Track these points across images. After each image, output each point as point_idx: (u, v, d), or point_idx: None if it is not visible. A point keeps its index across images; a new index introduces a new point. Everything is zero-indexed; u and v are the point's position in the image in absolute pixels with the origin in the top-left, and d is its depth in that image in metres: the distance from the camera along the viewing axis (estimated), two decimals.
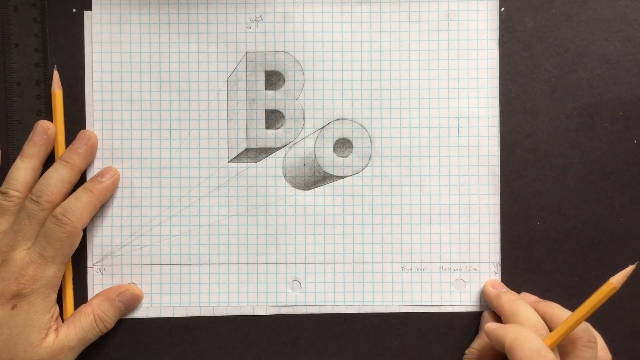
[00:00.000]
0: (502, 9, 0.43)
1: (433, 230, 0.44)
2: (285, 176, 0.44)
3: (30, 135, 0.42)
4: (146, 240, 0.43)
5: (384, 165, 0.44)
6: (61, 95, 0.43)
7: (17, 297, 0.39)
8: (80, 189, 0.42)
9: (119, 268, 0.43)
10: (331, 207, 0.44)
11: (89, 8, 0.43)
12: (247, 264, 0.44)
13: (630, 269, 0.36)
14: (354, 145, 0.44)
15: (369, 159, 0.44)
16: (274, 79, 0.44)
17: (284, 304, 0.44)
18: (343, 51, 0.43)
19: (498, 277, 0.43)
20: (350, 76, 0.44)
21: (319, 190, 0.44)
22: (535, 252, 0.43)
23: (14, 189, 0.41)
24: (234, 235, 0.44)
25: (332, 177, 0.44)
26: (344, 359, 0.44)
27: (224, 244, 0.44)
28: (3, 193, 0.41)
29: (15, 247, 0.40)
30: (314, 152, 0.44)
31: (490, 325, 0.38)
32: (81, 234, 0.41)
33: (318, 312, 0.44)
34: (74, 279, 0.43)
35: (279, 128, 0.44)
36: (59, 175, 0.41)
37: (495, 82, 0.43)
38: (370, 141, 0.44)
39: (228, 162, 0.44)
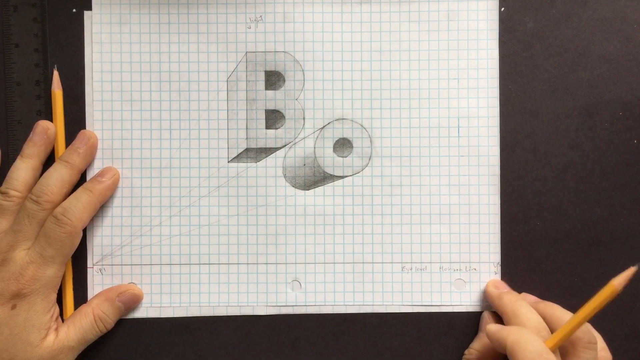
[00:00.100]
0: (502, 9, 0.43)
1: (433, 230, 0.44)
2: (285, 176, 0.44)
3: (30, 135, 0.42)
4: (146, 240, 0.43)
5: (384, 165, 0.44)
6: (61, 95, 0.43)
7: (17, 297, 0.39)
8: (80, 189, 0.42)
9: (119, 268, 0.43)
10: (331, 207, 0.44)
11: (89, 8, 0.43)
12: (247, 264, 0.44)
13: (632, 270, 0.35)
14: (354, 145, 0.44)
15: (369, 159, 0.44)
16: (274, 79, 0.44)
17: (284, 304, 0.44)
18: (343, 51, 0.43)
19: (498, 277, 0.43)
20: (350, 76, 0.43)
21: (319, 190, 0.44)
22: (535, 252, 0.43)
23: (14, 189, 0.41)
24: (234, 235, 0.44)
25: (332, 177, 0.44)
26: (344, 359, 0.44)
27: (224, 244, 0.44)
28: (3, 193, 0.41)
29: (15, 247, 0.40)
30: (314, 152, 0.44)
31: (491, 327, 0.38)
32: (81, 234, 0.41)
33: (318, 312, 0.44)
34: (74, 279, 0.43)
35: (279, 128, 0.44)
36: (59, 175, 0.41)
37: (495, 82, 0.43)
38: (370, 141, 0.44)
39: (228, 162, 0.44)
